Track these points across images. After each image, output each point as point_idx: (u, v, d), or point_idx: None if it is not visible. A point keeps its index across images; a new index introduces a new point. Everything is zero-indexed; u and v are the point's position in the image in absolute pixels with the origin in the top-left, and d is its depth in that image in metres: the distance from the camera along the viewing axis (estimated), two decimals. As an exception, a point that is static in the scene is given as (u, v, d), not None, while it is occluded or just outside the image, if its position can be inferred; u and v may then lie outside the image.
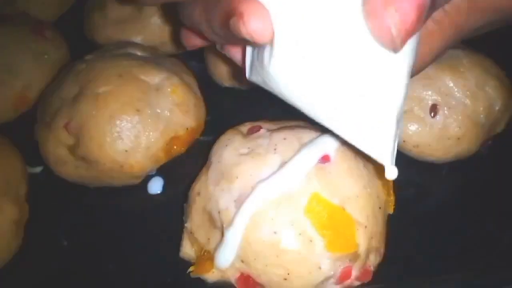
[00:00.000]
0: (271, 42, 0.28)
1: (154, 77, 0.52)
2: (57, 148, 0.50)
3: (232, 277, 0.41)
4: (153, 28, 0.63)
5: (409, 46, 0.27)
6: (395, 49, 0.25)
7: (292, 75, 0.29)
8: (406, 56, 0.28)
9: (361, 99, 0.28)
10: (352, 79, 0.28)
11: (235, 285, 0.41)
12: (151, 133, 0.50)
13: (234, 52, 0.38)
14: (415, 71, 0.32)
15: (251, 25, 0.26)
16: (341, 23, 0.27)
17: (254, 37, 0.26)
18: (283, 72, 0.29)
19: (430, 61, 0.33)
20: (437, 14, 0.30)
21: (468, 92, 0.51)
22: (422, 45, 0.30)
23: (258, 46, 0.31)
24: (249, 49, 0.35)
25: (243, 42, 0.29)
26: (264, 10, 0.26)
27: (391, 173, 0.31)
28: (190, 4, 0.33)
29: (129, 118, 0.49)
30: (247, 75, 0.36)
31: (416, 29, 0.24)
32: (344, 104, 0.29)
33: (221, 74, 0.60)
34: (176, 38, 0.61)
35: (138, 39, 0.64)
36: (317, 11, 0.27)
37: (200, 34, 0.36)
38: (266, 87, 0.34)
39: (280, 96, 0.33)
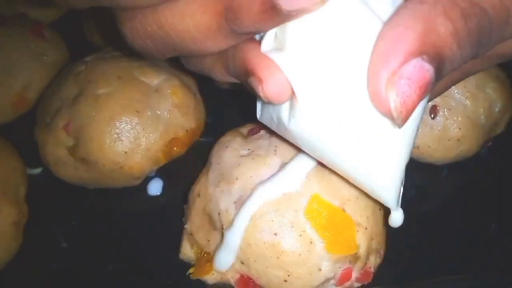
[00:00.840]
0: (289, 101, 0.29)
1: (154, 79, 0.52)
2: (56, 149, 0.50)
3: (232, 279, 0.41)
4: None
5: (415, 114, 0.29)
6: (397, 125, 0.26)
7: (310, 135, 0.31)
8: (412, 120, 0.29)
9: (375, 156, 0.30)
10: (368, 139, 0.29)
11: (235, 287, 0.41)
12: (150, 135, 0.50)
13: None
14: None
15: (269, 90, 0.27)
16: (356, 87, 0.27)
17: (271, 100, 0.28)
18: (302, 132, 0.31)
19: (430, 99, 0.35)
20: None
21: (468, 93, 0.51)
22: None
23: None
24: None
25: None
26: (281, 74, 0.27)
27: (397, 218, 0.35)
28: (197, 57, 0.33)
29: (128, 120, 0.49)
30: (258, 116, 0.36)
31: (418, 104, 0.25)
32: (359, 160, 0.31)
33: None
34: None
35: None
36: (336, 77, 0.27)
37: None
38: (278, 133, 0.35)
39: (290, 140, 0.34)
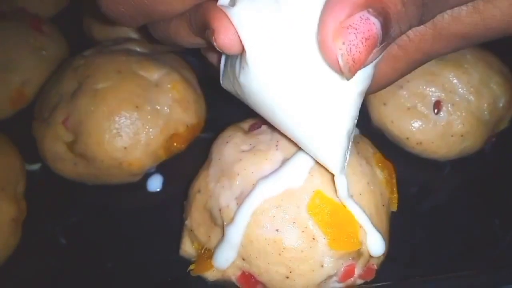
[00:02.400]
0: (240, 54, 0.31)
1: (154, 73, 0.51)
2: (55, 144, 0.50)
3: (233, 275, 0.40)
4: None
5: (363, 74, 0.31)
6: (345, 77, 0.27)
7: (257, 87, 0.32)
8: (358, 82, 0.31)
9: (318, 115, 0.31)
10: (311, 96, 0.31)
11: (236, 283, 0.41)
12: (150, 130, 0.49)
13: (212, 58, 0.41)
14: (380, 87, 0.36)
15: (221, 40, 0.30)
16: (305, 43, 0.29)
17: (223, 50, 0.31)
18: (250, 83, 0.32)
19: (395, 79, 0.35)
20: (402, 41, 0.32)
21: (472, 89, 0.50)
22: (386, 66, 0.33)
23: (230, 55, 0.34)
24: (223, 58, 0.37)
25: (217, 50, 0.32)
26: (232, 27, 0.30)
27: (341, 183, 0.36)
28: (165, 21, 0.36)
29: (128, 115, 0.49)
30: (221, 81, 0.38)
31: (366, 60, 0.26)
32: (303, 118, 0.32)
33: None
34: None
35: (137, 35, 0.63)
36: (285, 32, 0.29)
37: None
38: (235, 95, 0.36)
39: (246, 103, 0.36)
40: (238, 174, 0.40)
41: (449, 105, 0.50)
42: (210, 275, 0.41)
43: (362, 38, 0.25)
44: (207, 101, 0.55)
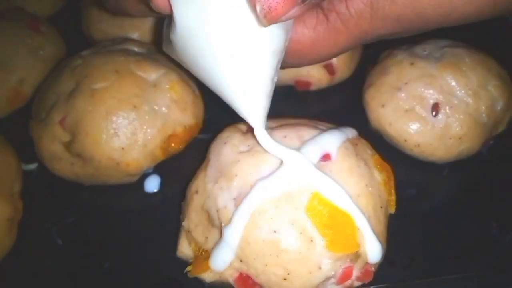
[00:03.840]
0: (170, 15, 0.35)
1: (152, 73, 0.51)
2: (52, 144, 0.50)
3: (231, 277, 0.40)
4: (150, 24, 0.63)
5: (277, 33, 0.34)
6: (260, 22, 0.31)
7: (183, 42, 0.36)
8: (272, 39, 0.34)
9: (238, 70, 0.35)
10: (231, 51, 0.34)
11: (234, 285, 0.40)
12: (148, 130, 0.49)
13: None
14: (321, 58, 0.39)
15: (155, 1, 0.34)
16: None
17: (159, 10, 0.34)
18: (178, 40, 0.36)
19: (335, 52, 0.38)
20: (343, 15, 0.35)
21: (470, 91, 0.50)
22: (329, 37, 0.36)
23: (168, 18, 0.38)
24: (164, 24, 0.40)
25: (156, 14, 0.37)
26: None
27: (260, 135, 0.39)
28: None
29: (125, 115, 0.48)
30: (163, 46, 0.41)
31: (282, 12, 0.30)
32: (225, 73, 0.36)
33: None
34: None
35: (135, 35, 0.63)
36: None
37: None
38: (173, 56, 0.40)
39: (182, 65, 0.39)
40: (236, 175, 0.40)
41: (447, 107, 0.50)
42: (208, 276, 0.41)
43: None
44: (205, 102, 0.54)
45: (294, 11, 0.30)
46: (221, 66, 0.35)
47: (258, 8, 0.30)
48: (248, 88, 0.36)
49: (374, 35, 0.36)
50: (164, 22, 0.40)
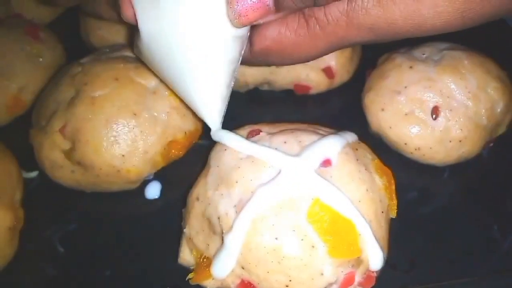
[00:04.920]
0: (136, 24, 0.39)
1: (151, 80, 0.51)
2: (52, 152, 0.50)
3: (232, 284, 0.40)
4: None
5: (235, 41, 0.37)
6: (235, 24, 0.35)
7: (150, 51, 0.40)
8: (230, 47, 0.38)
9: (196, 77, 0.39)
10: (191, 62, 0.38)
11: (235, 292, 0.40)
12: (148, 137, 0.49)
13: None
14: (301, 59, 0.41)
15: (123, 13, 0.39)
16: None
17: (126, 19, 0.39)
18: (144, 47, 0.40)
19: (315, 54, 0.40)
20: (321, 22, 0.37)
21: (469, 94, 0.50)
22: (310, 41, 0.38)
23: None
24: (135, 30, 0.42)
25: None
26: (130, 3, 0.38)
27: (215, 135, 0.43)
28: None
29: (125, 122, 0.49)
30: (133, 49, 0.45)
31: (254, 15, 0.34)
32: (185, 80, 0.40)
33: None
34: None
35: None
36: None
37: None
38: (142, 59, 0.44)
39: (148, 65, 0.44)
40: (236, 182, 0.40)
41: (447, 110, 0.50)
42: (209, 283, 0.41)
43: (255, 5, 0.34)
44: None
45: (266, 18, 0.35)
46: (181, 72, 0.39)
47: (230, 12, 0.34)
48: (205, 92, 0.40)
49: (350, 41, 0.37)
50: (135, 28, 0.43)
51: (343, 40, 0.37)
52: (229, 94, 0.42)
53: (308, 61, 0.41)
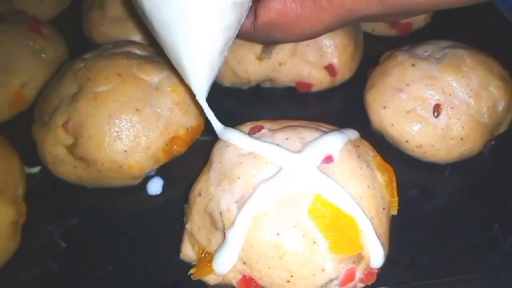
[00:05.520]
0: None
1: (154, 76, 0.51)
2: (55, 147, 0.50)
3: (234, 279, 0.40)
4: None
5: (232, 9, 0.37)
6: None
7: (147, 11, 0.40)
8: (225, 15, 0.38)
9: (188, 40, 0.39)
10: (186, 23, 0.38)
11: (237, 287, 0.40)
12: (150, 133, 0.49)
13: None
14: (306, 36, 0.41)
15: None
16: None
17: None
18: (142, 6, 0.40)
19: (320, 29, 0.40)
20: None
21: (471, 92, 0.50)
22: (316, 15, 0.37)
23: None
24: None
25: None
26: None
27: (200, 101, 0.43)
28: None
29: (128, 118, 0.49)
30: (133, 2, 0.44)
31: None
32: (178, 42, 0.40)
33: (222, 73, 0.60)
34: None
35: (137, 37, 0.63)
36: None
37: None
38: (139, 14, 0.44)
39: (146, 24, 0.43)
40: (238, 178, 0.40)
41: (448, 108, 0.50)
42: (211, 279, 0.41)
43: None
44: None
45: None
46: (174, 31, 0.39)
47: None
48: (195, 56, 0.40)
49: (358, 14, 0.37)
50: None
51: (350, 13, 0.37)
52: (220, 64, 0.41)
53: (311, 37, 0.41)
